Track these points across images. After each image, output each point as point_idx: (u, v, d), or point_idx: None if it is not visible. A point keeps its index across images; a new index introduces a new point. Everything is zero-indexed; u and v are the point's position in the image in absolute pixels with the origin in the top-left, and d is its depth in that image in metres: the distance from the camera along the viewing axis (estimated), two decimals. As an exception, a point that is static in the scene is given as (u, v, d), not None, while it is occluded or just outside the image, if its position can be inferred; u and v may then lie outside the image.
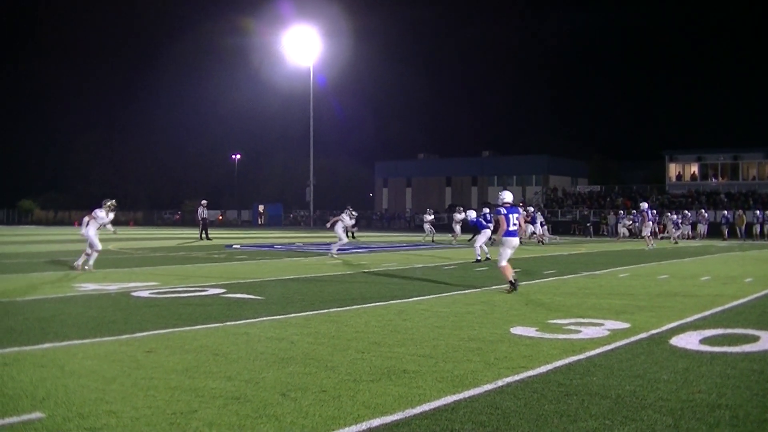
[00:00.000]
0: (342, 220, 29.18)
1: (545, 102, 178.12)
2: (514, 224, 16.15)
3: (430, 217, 49.59)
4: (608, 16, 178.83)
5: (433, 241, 44.98)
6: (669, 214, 55.91)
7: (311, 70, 79.23)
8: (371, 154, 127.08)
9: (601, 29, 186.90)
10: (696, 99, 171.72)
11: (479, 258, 25.40)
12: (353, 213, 32.54)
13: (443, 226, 63.20)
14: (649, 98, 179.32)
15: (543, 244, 42.87)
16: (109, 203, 21.85)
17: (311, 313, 12.46)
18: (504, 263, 16.04)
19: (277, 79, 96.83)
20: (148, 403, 6.63)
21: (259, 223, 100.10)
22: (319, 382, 7.39)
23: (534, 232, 43.68)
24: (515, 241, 16.32)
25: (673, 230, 51.71)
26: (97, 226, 21.35)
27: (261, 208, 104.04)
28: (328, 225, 30.21)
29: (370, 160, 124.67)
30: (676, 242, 48.10)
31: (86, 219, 21.34)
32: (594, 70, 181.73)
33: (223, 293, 15.26)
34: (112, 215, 21.88)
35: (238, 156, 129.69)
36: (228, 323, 11.25)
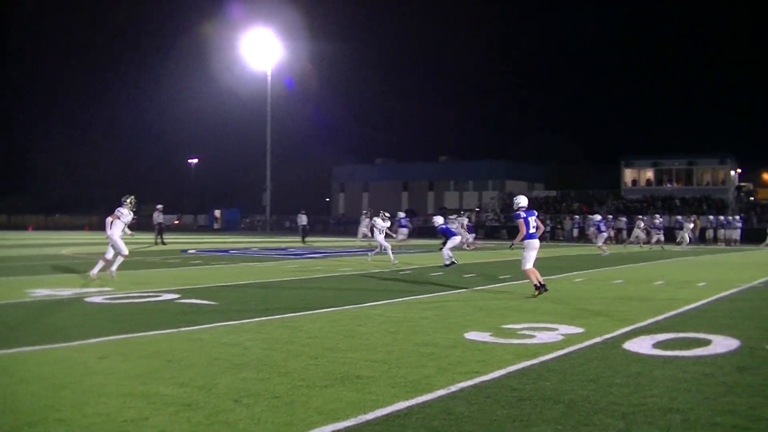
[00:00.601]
0: (375, 224, 29.03)
1: (503, 107, 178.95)
2: (534, 226, 16.35)
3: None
4: (565, 22, 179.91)
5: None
6: (643, 220, 56.09)
7: (269, 74, 78.97)
8: (329, 158, 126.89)
9: (557, 36, 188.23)
10: (652, 105, 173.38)
11: (447, 263, 25.23)
12: (386, 215, 32.13)
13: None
14: (605, 104, 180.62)
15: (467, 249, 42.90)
16: (129, 199, 20.24)
17: (266, 318, 12.42)
18: (529, 266, 16.21)
19: (235, 83, 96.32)
20: (99, 410, 6.57)
21: (215, 227, 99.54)
22: (273, 388, 7.37)
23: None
24: (536, 243, 16.48)
25: (645, 235, 51.68)
26: (122, 227, 19.87)
27: (217, 212, 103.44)
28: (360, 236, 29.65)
29: (327, 164, 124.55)
30: (661, 247, 48.04)
31: (110, 219, 19.76)
32: (550, 75, 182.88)
33: (178, 299, 15.16)
34: (131, 214, 20.30)
35: (195, 160, 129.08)
36: (182, 329, 11.18)
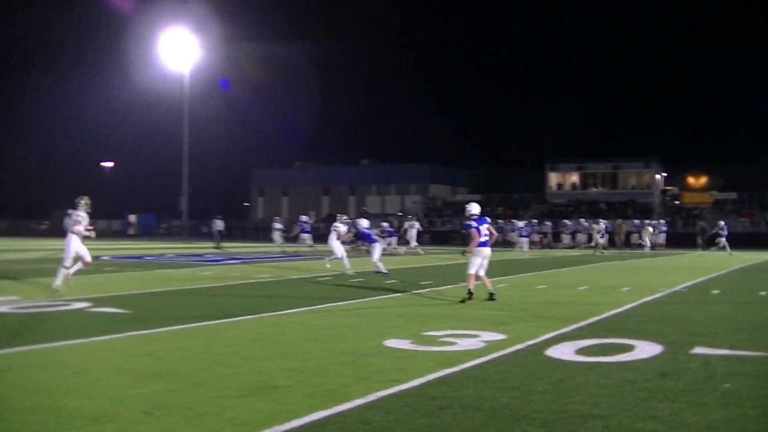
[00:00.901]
0: (336, 230, 27.97)
1: (427, 110, 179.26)
2: (485, 234, 16.58)
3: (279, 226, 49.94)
4: (486, 24, 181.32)
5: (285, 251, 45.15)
6: (593, 224, 56.57)
7: (186, 75, 78.21)
8: (248, 162, 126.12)
9: (480, 38, 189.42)
10: (577, 109, 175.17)
11: (385, 271, 24.71)
12: (344, 219, 31.56)
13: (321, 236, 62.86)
14: (530, 107, 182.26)
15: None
16: (84, 201, 18.76)
17: (180, 327, 12.27)
18: (472, 271, 16.46)
19: (152, 85, 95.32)
20: (1, 426, 6.43)
21: (130, 233, 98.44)
22: (185, 400, 7.28)
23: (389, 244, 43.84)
24: (487, 251, 16.69)
25: (599, 239, 52.12)
26: (83, 229, 18.40)
27: (132, 217, 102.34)
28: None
29: (246, 168, 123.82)
30: (603, 252, 48.44)
31: (73, 224, 18.26)
32: (474, 79, 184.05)
33: (89, 307, 14.91)
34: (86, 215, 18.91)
35: (111, 163, 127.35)
36: (92, 339, 10.98)
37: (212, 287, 19.98)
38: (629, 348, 10.35)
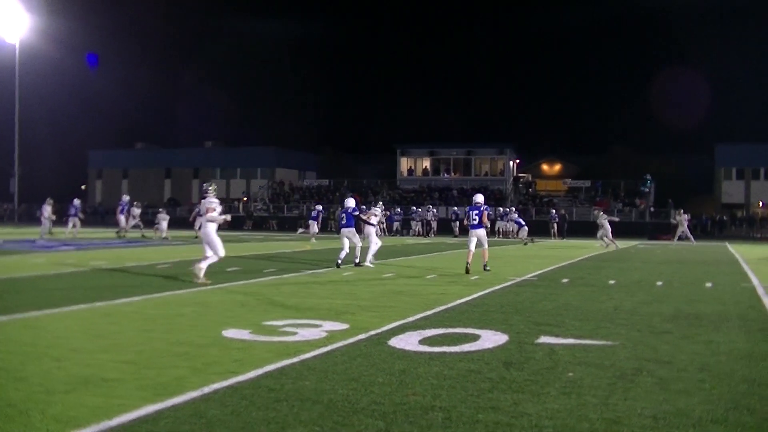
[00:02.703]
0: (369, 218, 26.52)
1: (273, 92, 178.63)
2: (473, 219, 22.96)
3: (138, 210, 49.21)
4: (339, 8, 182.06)
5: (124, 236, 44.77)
6: (511, 213, 57.05)
7: (17, 47, 75.74)
8: (84, 141, 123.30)
9: (331, 20, 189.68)
10: (429, 93, 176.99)
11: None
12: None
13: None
14: (381, 91, 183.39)
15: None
16: (212, 187, 18.76)
17: (5, 318, 11.91)
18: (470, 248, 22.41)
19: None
20: None
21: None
22: (7, 396, 7.10)
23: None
24: (475, 231, 23.04)
25: (515, 228, 52.51)
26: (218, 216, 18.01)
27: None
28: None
29: (83, 148, 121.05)
30: (526, 243, 48.75)
31: (206, 212, 17.93)
32: (324, 61, 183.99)
33: None
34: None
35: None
36: None
37: (43, 275, 19.49)
38: (474, 338, 10.53)
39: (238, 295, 15.43)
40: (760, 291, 17.78)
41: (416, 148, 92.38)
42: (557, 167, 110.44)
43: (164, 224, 45.56)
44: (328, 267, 23.07)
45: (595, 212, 51.89)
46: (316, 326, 11.32)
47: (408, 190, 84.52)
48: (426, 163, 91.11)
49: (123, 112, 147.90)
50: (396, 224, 64.07)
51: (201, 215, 18.92)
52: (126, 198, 47.47)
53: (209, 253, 17.72)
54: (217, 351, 9.37)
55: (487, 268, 22.82)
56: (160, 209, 50.76)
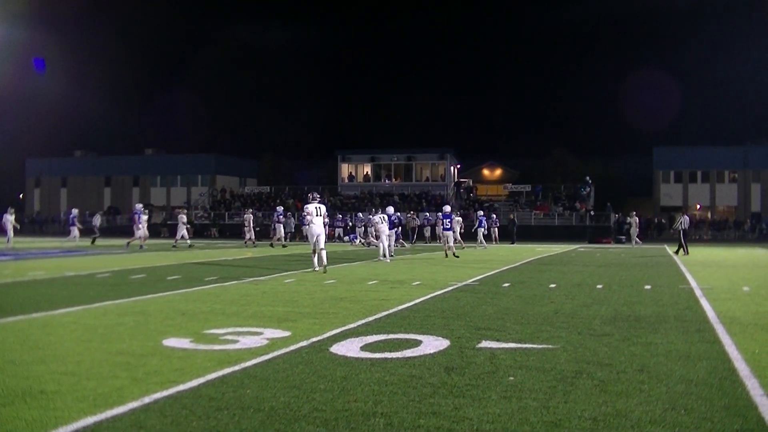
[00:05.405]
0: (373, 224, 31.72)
1: (213, 99, 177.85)
2: (447, 223, 33.72)
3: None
4: (277, 21, 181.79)
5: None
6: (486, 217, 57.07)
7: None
8: (21, 149, 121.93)
9: (270, 32, 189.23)
10: (370, 99, 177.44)
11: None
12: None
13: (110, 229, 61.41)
14: (322, 97, 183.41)
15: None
16: (316, 195, 23.34)
17: (-61, 330, 11.79)
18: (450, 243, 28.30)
19: None
20: None
21: None
22: (-61, 410, 7.01)
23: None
24: (446, 233, 35.27)
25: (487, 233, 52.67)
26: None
27: None
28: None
29: (19, 156, 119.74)
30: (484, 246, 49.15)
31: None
32: (265, 68, 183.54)
33: None
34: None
35: None
36: None
37: (-23, 286, 19.25)
38: (416, 343, 10.56)
39: (179, 303, 15.35)
40: (697, 293, 18.02)
41: (357, 153, 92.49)
42: (498, 172, 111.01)
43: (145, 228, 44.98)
44: (269, 274, 23.01)
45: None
46: (258, 334, 11.29)
47: (349, 196, 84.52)
48: (367, 168, 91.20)
49: (61, 120, 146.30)
50: (338, 230, 64.12)
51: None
52: (75, 211, 47.03)
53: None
54: (158, 360, 9.31)
55: (457, 255, 34.31)
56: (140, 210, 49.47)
